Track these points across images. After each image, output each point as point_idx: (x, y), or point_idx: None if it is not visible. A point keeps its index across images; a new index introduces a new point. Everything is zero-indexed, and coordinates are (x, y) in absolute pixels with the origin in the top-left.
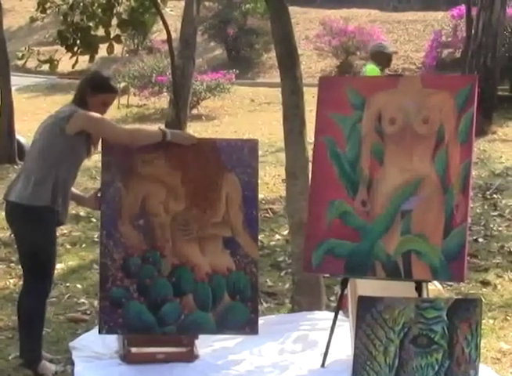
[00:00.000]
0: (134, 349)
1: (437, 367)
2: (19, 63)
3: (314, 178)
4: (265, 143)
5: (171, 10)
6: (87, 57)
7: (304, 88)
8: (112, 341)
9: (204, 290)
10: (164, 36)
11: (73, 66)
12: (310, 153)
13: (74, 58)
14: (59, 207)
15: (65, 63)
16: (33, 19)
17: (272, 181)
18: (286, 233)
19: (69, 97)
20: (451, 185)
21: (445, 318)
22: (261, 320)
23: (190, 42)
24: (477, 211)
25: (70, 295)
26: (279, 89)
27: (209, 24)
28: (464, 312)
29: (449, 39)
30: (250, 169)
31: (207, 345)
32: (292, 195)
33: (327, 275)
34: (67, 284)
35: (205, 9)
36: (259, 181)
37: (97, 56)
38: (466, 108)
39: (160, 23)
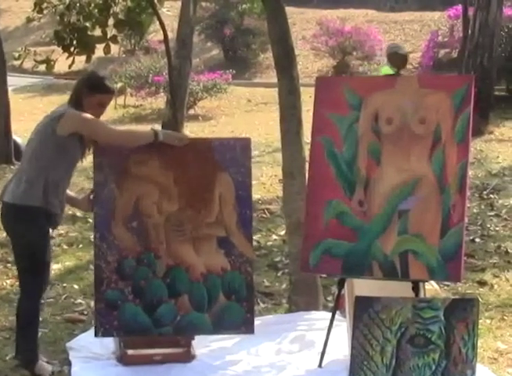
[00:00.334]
0: (130, 351)
1: (434, 367)
2: (16, 63)
3: (311, 178)
4: (261, 143)
5: (167, 10)
6: (83, 57)
7: (301, 89)
8: (109, 342)
9: (199, 290)
10: (161, 36)
11: (70, 66)
12: (307, 153)
13: (71, 58)
14: (52, 208)
15: (61, 63)
16: (29, 20)
17: (268, 181)
18: (283, 233)
19: (65, 97)
20: (448, 185)
21: (442, 318)
22: (258, 321)
23: (187, 42)
24: (474, 211)
25: (67, 296)
26: (276, 89)
27: (206, 24)
28: (461, 312)
29: (446, 39)
30: (244, 168)
31: (204, 345)
32: (289, 195)
33: (324, 275)
34: (64, 285)
35: (202, 9)
36: (256, 181)
37: (94, 57)
38: (463, 108)
39: (157, 23)
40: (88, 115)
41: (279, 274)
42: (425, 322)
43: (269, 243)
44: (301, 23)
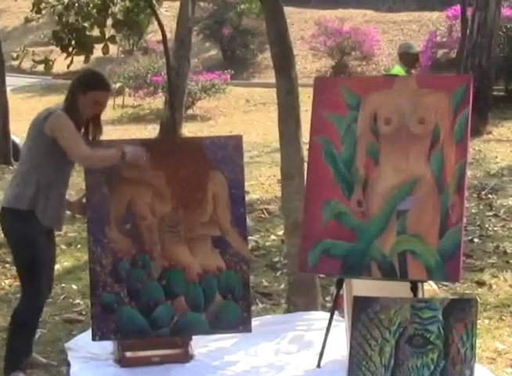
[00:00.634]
0: (128, 353)
1: (432, 367)
2: (15, 63)
3: (309, 178)
4: (260, 144)
5: (166, 10)
6: (82, 58)
7: (300, 89)
8: (107, 342)
9: (196, 291)
10: (159, 36)
11: (69, 66)
12: (305, 154)
13: (69, 58)
14: (43, 211)
15: (60, 63)
16: (28, 20)
17: (267, 181)
18: (281, 233)
19: (63, 98)
20: (446, 185)
21: (441, 318)
22: (256, 321)
23: (185, 42)
24: (473, 211)
25: (65, 296)
26: (275, 90)
27: (204, 25)
28: (460, 313)
29: (444, 39)
30: (236, 167)
31: (202, 345)
32: (287, 195)
33: (323, 275)
34: (63, 285)
35: (200, 9)
36: (254, 181)
37: (92, 57)
38: (462, 108)
39: (156, 23)
40: (70, 126)
41: (277, 274)
42: (423, 322)
43: (268, 243)
44: (300, 23)
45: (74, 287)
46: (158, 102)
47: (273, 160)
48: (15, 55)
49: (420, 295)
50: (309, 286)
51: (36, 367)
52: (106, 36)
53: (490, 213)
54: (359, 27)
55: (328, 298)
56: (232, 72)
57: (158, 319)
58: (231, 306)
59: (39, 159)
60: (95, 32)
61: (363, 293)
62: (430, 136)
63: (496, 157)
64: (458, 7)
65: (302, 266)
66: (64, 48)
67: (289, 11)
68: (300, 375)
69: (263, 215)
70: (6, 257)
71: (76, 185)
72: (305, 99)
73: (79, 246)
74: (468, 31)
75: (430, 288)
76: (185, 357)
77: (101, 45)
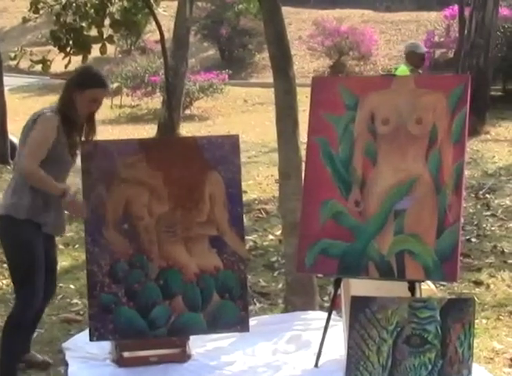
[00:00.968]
0: (126, 354)
1: (430, 367)
2: (12, 63)
3: (307, 178)
4: (257, 144)
5: (164, 10)
6: (80, 57)
7: (298, 89)
8: (106, 342)
9: (193, 291)
10: (157, 36)
11: (66, 66)
12: (303, 154)
13: (67, 58)
14: (43, 219)
15: (58, 63)
16: (26, 20)
17: (265, 181)
18: (279, 233)
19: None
20: (444, 185)
21: (438, 318)
22: (254, 320)
23: (183, 42)
24: (470, 210)
25: (63, 296)
26: (272, 89)
27: (202, 24)
28: (457, 312)
29: (442, 39)
30: (233, 166)
31: (200, 345)
32: (285, 195)
33: (320, 275)
34: (60, 285)
35: (198, 9)
36: (252, 181)
37: (90, 57)
38: (459, 108)
39: (153, 23)
40: (45, 134)
41: (275, 274)
42: (421, 322)
43: (265, 243)
44: (298, 23)
45: (72, 287)
46: (156, 102)
47: (271, 160)
48: (13, 55)
49: (417, 295)
50: (307, 286)
51: (34, 366)
52: (104, 36)
53: (488, 213)
54: (357, 26)
55: (326, 298)
56: (230, 72)
57: (156, 319)
58: (228, 306)
59: None
60: (93, 32)
61: (361, 293)
62: (427, 136)
63: (494, 156)
64: (456, 7)
65: (300, 266)
66: (62, 48)
67: (287, 11)
68: (297, 375)
69: (261, 215)
70: (4, 257)
71: (74, 185)
72: (303, 98)
73: (77, 246)
74: (466, 31)
75: (427, 288)
76: (183, 357)
77: (99, 45)
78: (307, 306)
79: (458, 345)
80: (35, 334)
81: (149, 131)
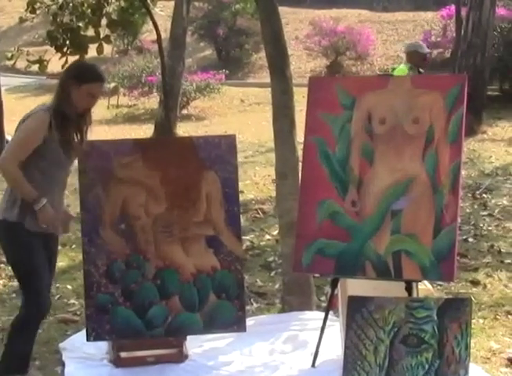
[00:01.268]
0: (123, 354)
1: (427, 367)
2: (9, 63)
3: (304, 178)
4: (254, 144)
5: (160, 10)
6: (76, 58)
7: (294, 89)
8: (102, 342)
9: (190, 290)
10: (154, 36)
11: (63, 66)
12: (300, 154)
13: (64, 58)
14: (33, 220)
15: (54, 63)
16: (22, 20)
17: (261, 181)
18: (276, 233)
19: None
20: (441, 185)
21: (435, 318)
22: (251, 320)
23: (180, 42)
24: (467, 210)
25: (60, 296)
26: (269, 89)
27: (199, 24)
28: (454, 312)
29: (439, 39)
30: (230, 166)
31: (197, 345)
32: (282, 195)
33: (317, 275)
34: (57, 285)
35: (195, 9)
36: (249, 181)
37: (87, 57)
38: (456, 108)
39: (150, 23)
40: (31, 133)
41: (272, 274)
42: (418, 322)
43: (262, 243)
44: (294, 23)
45: (69, 287)
46: (153, 102)
47: (268, 160)
48: (9, 55)
49: (414, 295)
50: (304, 286)
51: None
52: (101, 36)
53: (484, 212)
54: (354, 26)
55: (323, 298)
56: (227, 72)
57: (153, 319)
58: (225, 306)
59: (24, 164)
60: (90, 32)
61: (358, 293)
62: (424, 136)
63: (491, 156)
64: (452, 7)
65: (297, 266)
66: (59, 48)
67: (283, 11)
68: (294, 375)
69: (258, 215)
70: (1, 257)
71: (70, 185)
72: (300, 98)
73: (74, 246)
74: (463, 31)
75: (424, 288)
76: (180, 357)
77: (95, 45)
78: (304, 306)
79: (455, 345)
80: None
81: (146, 131)
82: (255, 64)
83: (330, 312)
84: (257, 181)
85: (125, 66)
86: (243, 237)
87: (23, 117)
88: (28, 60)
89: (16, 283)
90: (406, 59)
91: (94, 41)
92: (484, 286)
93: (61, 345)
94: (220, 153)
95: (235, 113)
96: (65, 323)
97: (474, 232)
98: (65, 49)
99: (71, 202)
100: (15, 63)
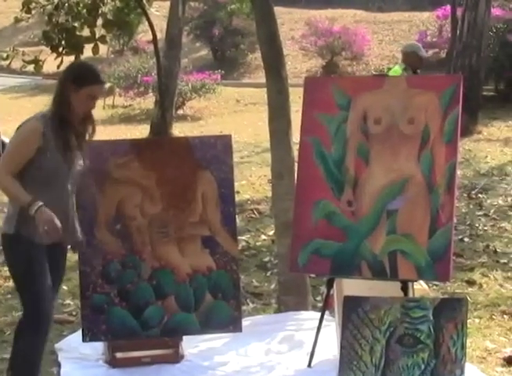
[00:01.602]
0: (119, 354)
1: (423, 367)
2: (4, 63)
3: (299, 178)
4: (250, 144)
5: (156, 10)
6: (72, 58)
7: (290, 89)
8: (98, 343)
9: (186, 291)
10: (150, 36)
11: (59, 66)
12: (296, 154)
13: (59, 58)
14: (32, 230)
15: (50, 63)
16: (18, 20)
17: (257, 181)
18: (272, 233)
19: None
20: (436, 185)
21: (431, 317)
22: (247, 321)
23: (176, 43)
24: (463, 210)
25: None
26: (265, 90)
27: (194, 24)
28: (450, 312)
29: (434, 39)
30: (225, 166)
31: (193, 345)
32: (278, 195)
33: (313, 275)
34: None
35: (190, 9)
36: (245, 181)
37: (82, 57)
38: (452, 108)
39: (146, 23)
40: (17, 145)
41: (268, 274)
42: (414, 321)
43: (258, 243)
44: (290, 23)
45: (65, 287)
46: (148, 102)
47: (264, 161)
48: (5, 55)
49: (410, 295)
50: (300, 286)
51: None
52: (97, 36)
53: (480, 212)
54: (349, 26)
55: (318, 298)
56: (223, 72)
57: (148, 319)
58: (221, 306)
59: (21, 174)
60: (86, 32)
61: (354, 293)
62: (420, 136)
63: (486, 156)
64: (448, 7)
65: (293, 266)
66: (54, 49)
67: (279, 11)
68: (290, 375)
69: (253, 215)
70: None
71: None
72: (296, 99)
73: (69, 246)
74: (458, 31)
75: (420, 288)
76: (176, 357)
77: (91, 45)
78: (300, 306)
79: (451, 345)
80: None
81: (141, 131)
82: (251, 64)
83: (326, 312)
84: (252, 181)
85: (121, 67)
86: (239, 238)
87: (23, 122)
88: (24, 60)
89: (10, 283)
90: (402, 58)
91: (89, 41)
92: (480, 286)
93: (57, 345)
94: (216, 153)
95: (230, 114)
96: (61, 324)
97: (469, 232)
98: (60, 49)
99: None
100: (10, 63)
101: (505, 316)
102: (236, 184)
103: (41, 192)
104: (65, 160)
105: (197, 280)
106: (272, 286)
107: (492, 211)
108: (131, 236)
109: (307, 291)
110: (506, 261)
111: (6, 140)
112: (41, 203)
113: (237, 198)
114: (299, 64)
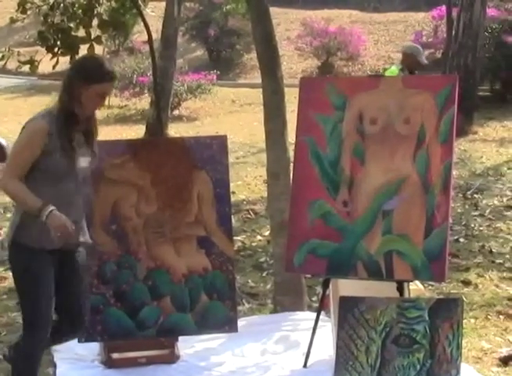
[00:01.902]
0: (115, 355)
1: (419, 367)
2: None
3: (295, 178)
4: (246, 144)
5: (151, 11)
6: (67, 58)
7: (286, 89)
8: (94, 344)
9: (181, 291)
10: (145, 37)
11: (54, 67)
12: (292, 154)
13: (55, 59)
14: (33, 236)
15: (45, 63)
16: (13, 20)
17: (253, 182)
18: (267, 233)
19: (49, 98)
20: (432, 185)
21: (427, 318)
22: (243, 321)
23: (171, 43)
24: (458, 210)
25: None
26: (261, 90)
27: (190, 25)
28: (446, 312)
29: (430, 40)
30: (221, 166)
31: (189, 346)
32: (273, 196)
33: (309, 275)
34: None
35: (186, 9)
36: (240, 182)
37: (78, 57)
38: (447, 108)
39: (141, 23)
40: (22, 146)
41: (263, 274)
42: (410, 322)
43: (254, 243)
44: (286, 23)
45: None
46: (144, 102)
47: (259, 161)
48: (0, 55)
49: (406, 295)
50: (296, 286)
51: None
52: (92, 36)
53: (476, 213)
54: (345, 27)
55: (314, 298)
56: (218, 72)
57: (144, 320)
58: (217, 306)
59: (25, 176)
60: (81, 32)
61: (349, 293)
62: (415, 136)
63: (482, 156)
64: (443, 7)
65: (289, 266)
66: (50, 49)
67: (275, 11)
68: (286, 375)
69: (249, 216)
70: None
71: None
72: (291, 99)
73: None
74: (454, 32)
75: (416, 288)
76: (172, 358)
77: (86, 46)
78: (295, 307)
79: (446, 345)
80: None
81: (137, 131)
82: (246, 65)
83: (322, 313)
84: (248, 181)
85: (116, 67)
86: (235, 238)
87: (25, 122)
88: (19, 61)
89: (6, 284)
90: (402, 58)
91: (85, 41)
92: (476, 286)
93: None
94: (211, 153)
95: (226, 114)
96: None
97: (465, 232)
98: (56, 50)
99: None
100: (5, 63)
101: (500, 316)
102: (231, 184)
103: (45, 193)
104: (71, 160)
105: (193, 280)
106: (268, 286)
107: (487, 211)
108: (126, 236)
109: (303, 292)
110: (501, 261)
111: (2, 141)
112: (52, 207)
113: (233, 198)
114: (295, 64)
